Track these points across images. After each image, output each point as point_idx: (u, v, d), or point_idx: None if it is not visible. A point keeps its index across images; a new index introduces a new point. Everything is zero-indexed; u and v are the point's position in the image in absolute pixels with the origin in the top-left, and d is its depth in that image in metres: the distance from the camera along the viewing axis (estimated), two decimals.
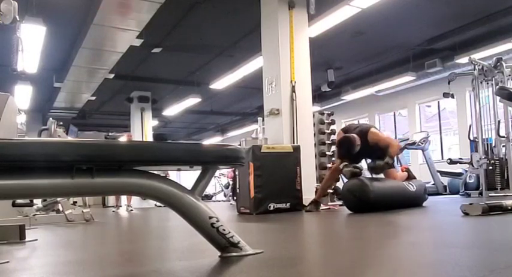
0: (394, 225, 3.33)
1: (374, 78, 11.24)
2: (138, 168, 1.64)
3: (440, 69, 9.97)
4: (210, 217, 1.68)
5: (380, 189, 4.40)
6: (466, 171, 7.76)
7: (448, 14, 8.13)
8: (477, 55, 8.25)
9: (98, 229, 4.27)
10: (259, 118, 7.21)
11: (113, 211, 8.37)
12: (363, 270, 1.53)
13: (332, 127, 6.53)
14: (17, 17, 3.26)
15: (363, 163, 5.08)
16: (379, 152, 4.67)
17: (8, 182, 1.39)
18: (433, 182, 8.56)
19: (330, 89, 11.49)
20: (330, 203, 5.95)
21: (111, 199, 12.70)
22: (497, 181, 6.66)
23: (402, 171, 5.36)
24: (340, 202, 5.75)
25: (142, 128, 13.31)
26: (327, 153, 6.33)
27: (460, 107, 11.18)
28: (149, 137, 13.44)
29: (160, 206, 8.86)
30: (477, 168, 6.88)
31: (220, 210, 7.25)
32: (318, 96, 12.22)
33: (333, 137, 6.52)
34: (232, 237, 1.72)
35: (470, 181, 7.72)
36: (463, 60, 8.94)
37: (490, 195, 6.42)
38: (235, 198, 10.50)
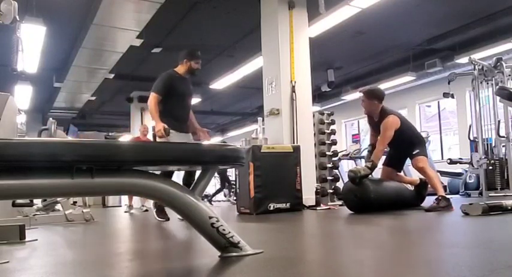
0: (394, 225, 3.33)
1: (374, 78, 11.24)
2: (138, 168, 1.65)
3: (440, 69, 9.98)
4: (210, 217, 1.68)
5: (381, 189, 4.40)
6: (466, 171, 7.76)
7: (448, 14, 8.13)
8: (477, 55, 8.25)
9: (98, 229, 4.27)
10: (259, 118, 7.20)
11: (125, 211, 8.00)
12: (363, 270, 1.53)
13: (332, 127, 6.54)
14: (17, 17, 3.26)
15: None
16: (402, 143, 4.43)
17: (8, 182, 1.39)
18: None
19: (330, 89, 11.49)
20: (330, 203, 5.96)
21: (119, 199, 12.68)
22: (497, 181, 6.66)
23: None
24: (340, 202, 5.76)
25: None
26: (327, 153, 6.33)
27: (460, 107, 11.18)
28: (149, 137, 13.41)
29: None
30: (477, 168, 6.88)
31: (220, 210, 7.25)
32: (318, 96, 12.22)
33: (333, 137, 6.53)
34: (232, 237, 1.72)
35: (470, 181, 7.72)
36: (463, 60, 8.95)
37: (490, 195, 6.42)
38: (229, 196, 10.45)
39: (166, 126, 4.29)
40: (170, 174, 3.83)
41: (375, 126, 4.62)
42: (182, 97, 4.58)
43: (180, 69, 4.66)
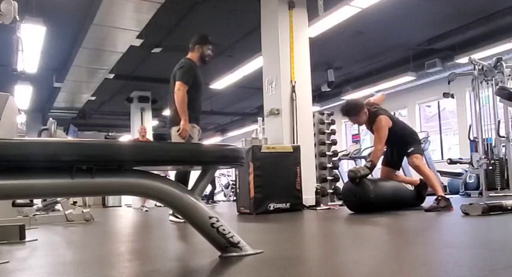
0: (394, 225, 3.33)
1: (374, 78, 11.25)
2: (138, 168, 1.64)
3: (440, 69, 9.98)
4: (210, 217, 1.68)
5: (380, 189, 4.40)
6: (466, 171, 7.76)
7: (448, 14, 8.13)
8: (477, 55, 8.25)
9: (98, 229, 4.27)
10: (259, 118, 7.21)
11: (141, 210, 8.28)
12: (362, 270, 1.53)
13: (332, 127, 6.54)
14: (17, 17, 3.26)
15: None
16: (397, 142, 4.45)
17: (8, 182, 1.39)
18: None
19: (330, 89, 11.49)
20: (330, 203, 5.96)
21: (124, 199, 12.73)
22: (497, 181, 6.67)
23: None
24: (340, 202, 5.76)
25: None
26: (327, 153, 6.33)
27: (460, 107, 11.18)
28: (149, 137, 13.44)
29: (160, 206, 8.86)
30: (477, 168, 6.89)
31: (220, 209, 7.25)
32: (318, 96, 12.22)
33: (333, 137, 6.53)
34: (232, 237, 1.72)
35: (470, 181, 7.72)
36: (463, 60, 8.95)
37: (490, 195, 6.42)
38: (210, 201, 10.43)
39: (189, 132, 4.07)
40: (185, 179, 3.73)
41: (372, 130, 4.63)
42: (200, 87, 4.35)
43: (193, 56, 4.36)
